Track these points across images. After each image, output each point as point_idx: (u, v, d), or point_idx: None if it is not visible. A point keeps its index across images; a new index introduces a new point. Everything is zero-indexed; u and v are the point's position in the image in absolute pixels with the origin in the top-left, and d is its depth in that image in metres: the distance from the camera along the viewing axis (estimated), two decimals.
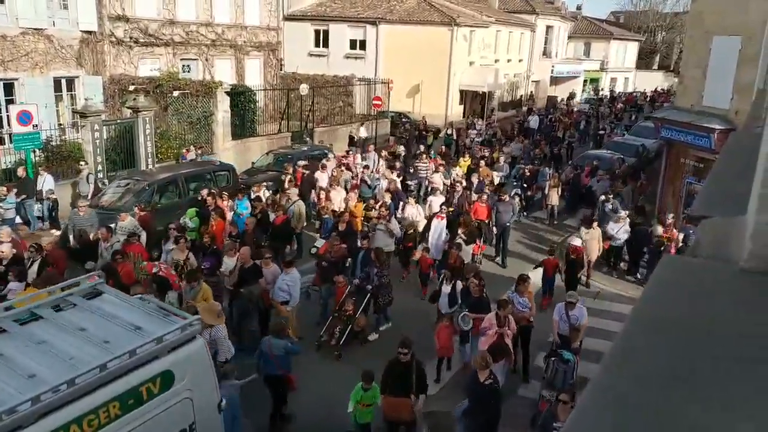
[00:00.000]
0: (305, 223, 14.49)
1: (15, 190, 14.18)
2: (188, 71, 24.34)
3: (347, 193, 15.67)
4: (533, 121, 32.15)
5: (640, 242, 14.16)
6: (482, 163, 19.50)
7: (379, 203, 14.65)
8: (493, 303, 9.68)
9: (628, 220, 14.29)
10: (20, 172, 15.08)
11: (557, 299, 10.74)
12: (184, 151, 18.45)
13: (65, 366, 4.82)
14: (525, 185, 18.72)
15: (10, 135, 16.38)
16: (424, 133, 27.62)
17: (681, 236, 13.19)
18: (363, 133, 25.50)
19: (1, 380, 4.61)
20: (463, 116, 34.56)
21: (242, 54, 27.15)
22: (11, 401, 4.31)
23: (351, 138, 24.91)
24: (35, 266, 10.03)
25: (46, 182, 14.96)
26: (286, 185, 15.77)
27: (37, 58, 18.76)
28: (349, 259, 11.75)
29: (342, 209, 14.33)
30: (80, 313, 5.73)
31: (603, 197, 16.27)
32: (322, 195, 15.72)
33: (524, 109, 39.53)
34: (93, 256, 11.12)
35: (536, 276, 12.10)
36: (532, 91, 45.29)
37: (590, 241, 13.45)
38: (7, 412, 4.20)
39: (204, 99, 20.35)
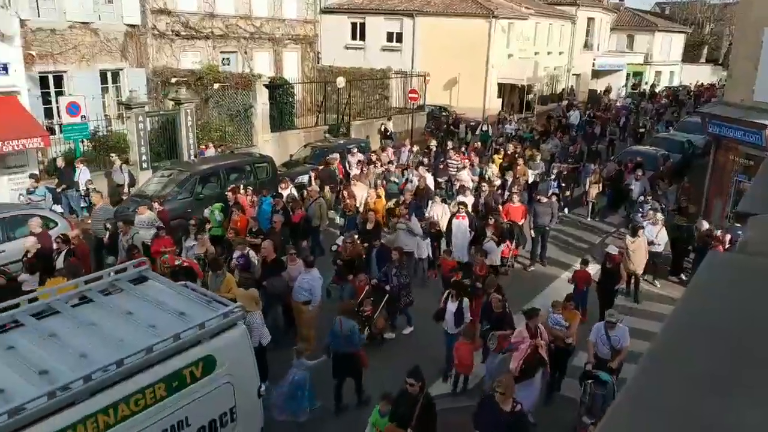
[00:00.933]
0: (327, 221, 14.19)
1: (41, 183, 14.43)
2: (228, 64, 24.74)
3: (375, 189, 15.21)
4: (573, 117, 31.37)
5: (684, 241, 13.71)
6: (520, 161, 18.52)
7: (401, 201, 14.17)
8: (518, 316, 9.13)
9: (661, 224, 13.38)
10: (59, 162, 15.59)
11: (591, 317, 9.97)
12: (202, 147, 18.40)
13: (114, 347, 5.02)
14: (563, 185, 17.76)
15: (60, 125, 16.95)
16: (452, 128, 26.89)
17: (728, 237, 12.64)
18: (391, 127, 25.43)
19: (55, 359, 4.84)
20: (502, 109, 34.20)
21: (280, 47, 27.44)
22: (65, 379, 4.54)
23: (385, 131, 24.89)
24: (61, 258, 10.07)
25: (82, 174, 15.38)
26: (313, 182, 15.67)
27: (84, 51, 19.33)
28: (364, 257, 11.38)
29: (364, 206, 14.05)
30: (127, 298, 5.96)
31: (641, 198, 15.65)
32: (345, 192, 15.27)
33: (564, 103, 38.76)
34: (115, 249, 11.16)
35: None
36: (572, 85, 44.52)
37: (636, 252, 12.21)
38: (61, 389, 4.42)
39: (243, 92, 20.66)
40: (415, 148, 20.84)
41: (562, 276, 13.47)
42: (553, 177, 17.71)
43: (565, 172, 18.32)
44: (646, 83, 49.53)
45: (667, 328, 1.62)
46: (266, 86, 21.13)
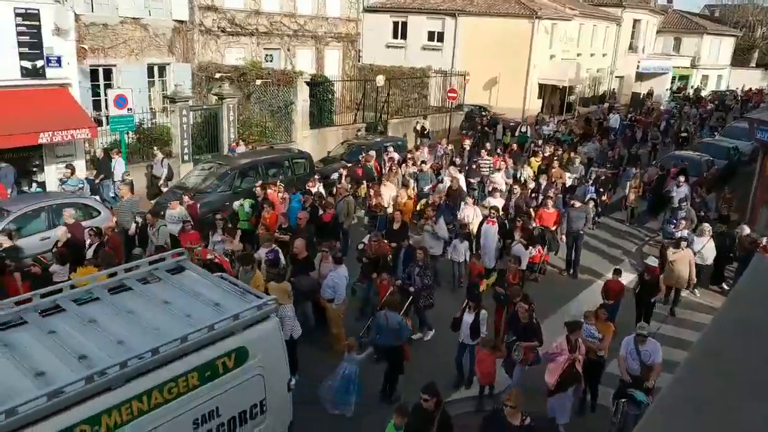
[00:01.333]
0: (354, 220, 14.05)
1: (73, 173, 14.69)
2: (270, 60, 25.07)
3: (405, 189, 14.99)
4: (613, 120, 30.71)
5: (726, 249, 13.16)
6: (556, 164, 18.07)
7: (429, 202, 13.91)
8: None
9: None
10: (98, 153, 15.98)
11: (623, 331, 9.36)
12: (233, 143, 18.51)
13: (150, 335, 5.16)
14: (601, 189, 17.10)
15: (107, 117, 17.47)
16: (486, 128, 26.47)
17: None
18: (428, 125, 25.32)
19: (94, 344, 5.01)
20: (541, 111, 33.78)
21: (322, 45, 27.68)
22: (102, 364, 4.68)
23: (422, 130, 24.82)
24: (92, 249, 10.21)
25: (117, 165, 15.72)
26: (342, 180, 15.59)
27: (134, 46, 19.86)
28: (390, 257, 11.20)
29: (392, 206, 13.92)
30: (165, 287, 6.11)
31: (679, 204, 15.09)
32: (372, 191, 14.94)
33: (605, 105, 37.97)
34: (144, 241, 11.28)
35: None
36: (614, 88, 43.61)
37: (678, 264, 11.60)
38: (99, 374, 4.57)
39: (285, 88, 20.91)
40: (450, 148, 20.71)
41: (594, 284, 13.11)
42: (590, 181, 17.21)
43: (603, 177, 17.83)
44: (692, 87, 48.13)
45: (710, 330, 1.59)
46: (307, 83, 21.34)
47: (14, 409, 4.09)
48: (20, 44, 14.86)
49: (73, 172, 14.64)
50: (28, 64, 15.06)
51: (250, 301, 5.96)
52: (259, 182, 13.94)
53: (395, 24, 35.45)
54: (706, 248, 12.61)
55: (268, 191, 13.43)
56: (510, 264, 10.51)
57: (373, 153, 17.94)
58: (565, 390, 7.77)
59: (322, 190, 14.57)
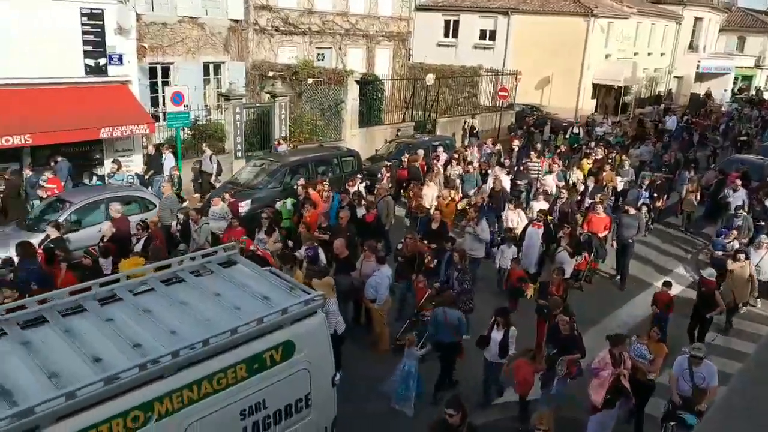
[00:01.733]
0: (393, 220, 13.81)
1: (119, 168, 15.15)
2: (322, 59, 25.34)
3: (449, 189, 14.75)
4: (670, 122, 29.64)
5: None
6: (607, 167, 17.43)
7: (472, 203, 13.58)
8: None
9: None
10: (150, 149, 16.44)
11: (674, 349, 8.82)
12: (275, 143, 18.66)
13: (202, 326, 5.30)
14: (655, 195, 16.30)
15: (164, 113, 18.03)
16: (533, 129, 25.89)
17: None
18: (477, 124, 25.06)
19: (148, 333, 5.18)
20: (595, 111, 32.98)
21: (373, 43, 27.79)
22: (155, 353, 4.84)
23: (471, 129, 24.61)
24: (140, 243, 10.47)
25: (167, 160, 16.11)
26: (384, 179, 15.52)
27: (191, 44, 20.40)
28: (435, 261, 10.89)
29: (433, 207, 13.68)
30: (216, 280, 6.26)
31: (735, 211, 14.33)
32: (412, 192, 14.78)
33: (661, 107, 36.67)
34: (185, 238, 11.45)
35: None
36: (670, 88, 42.18)
37: (737, 278, 10.99)
38: (152, 362, 4.72)
39: (335, 87, 21.10)
40: (497, 147, 20.36)
41: (641, 295, 12.48)
42: (644, 186, 16.40)
43: (658, 182, 16.98)
44: (756, 88, 46.06)
45: (764, 345, 1.54)
46: (357, 82, 21.48)
47: (74, 393, 4.27)
48: (85, 43, 15.51)
49: (119, 168, 15.09)
50: (91, 62, 15.70)
51: (298, 296, 6.04)
52: (301, 181, 13.93)
53: (447, 22, 35.26)
54: (764, 260, 11.92)
55: (311, 190, 13.39)
56: (553, 275, 10.06)
57: (421, 152, 17.91)
58: (612, 406, 7.37)
59: (362, 189, 14.49)
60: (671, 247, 15.75)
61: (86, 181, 15.27)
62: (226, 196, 12.86)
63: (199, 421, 4.99)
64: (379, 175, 15.90)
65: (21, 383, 4.47)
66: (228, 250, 6.91)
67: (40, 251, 9.70)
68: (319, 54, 25.38)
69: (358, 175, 15.06)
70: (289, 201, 13.28)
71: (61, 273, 9.07)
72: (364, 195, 13.99)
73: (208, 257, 6.68)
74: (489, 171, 16.71)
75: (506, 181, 15.59)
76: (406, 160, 17.32)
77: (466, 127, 24.85)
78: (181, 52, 20.20)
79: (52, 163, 14.74)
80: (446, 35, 35.29)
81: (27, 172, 14.20)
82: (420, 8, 34.52)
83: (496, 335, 8.21)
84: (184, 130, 17.57)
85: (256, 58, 22.73)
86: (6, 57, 14.10)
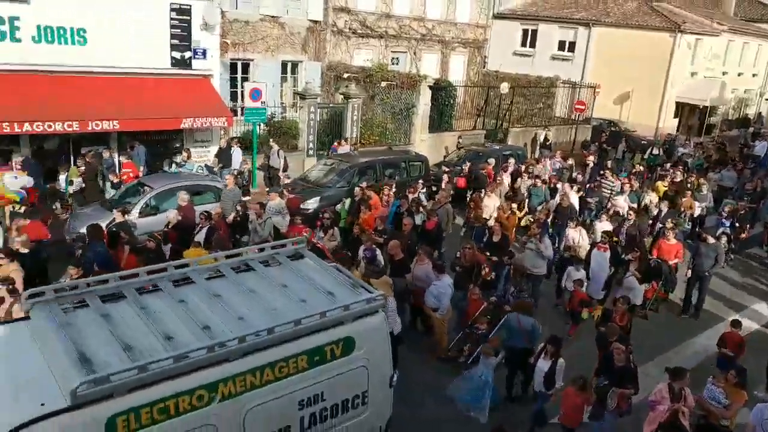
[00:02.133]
0: (450, 229, 13.61)
1: (189, 157, 15.73)
2: (396, 63, 25.50)
3: (511, 202, 14.43)
4: (759, 147, 27.73)
5: None
6: (688, 193, 16.36)
7: (535, 219, 13.08)
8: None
9: None
10: (222, 143, 16.99)
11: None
12: (335, 144, 18.59)
13: (268, 315, 5.42)
14: (737, 224, 15.19)
15: (242, 108, 18.63)
16: (605, 146, 24.79)
17: None
18: (549, 137, 24.45)
19: (217, 317, 5.34)
20: (677, 130, 31.64)
21: (448, 49, 27.73)
22: (223, 337, 4.99)
23: (545, 141, 24.09)
24: (203, 232, 10.70)
25: (235, 154, 16.55)
26: (444, 186, 15.40)
27: (271, 43, 20.99)
28: (493, 274, 10.63)
29: (493, 218, 13.43)
30: (284, 271, 6.39)
31: None
32: (472, 202, 14.41)
33: (749, 130, 34.67)
34: (242, 231, 11.72)
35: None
36: (761, 112, 39.94)
37: None
38: (219, 345, 4.86)
39: (408, 91, 21.18)
40: (569, 162, 19.78)
41: (711, 330, 11.58)
42: (725, 214, 15.32)
43: (741, 211, 15.80)
44: None
45: None
46: (430, 87, 21.48)
47: (146, 366, 4.46)
48: (172, 36, 16.26)
49: (189, 156, 15.71)
50: (177, 55, 16.43)
51: (360, 294, 6.09)
52: (364, 184, 13.93)
53: (524, 32, 34.78)
54: None
55: (371, 193, 13.30)
56: (618, 303, 9.47)
57: (492, 161, 17.71)
58: None
59: (423, 197, 14.36)
60: (750, 281, 14.73)
61: (166, 168, 15.94)
62: (284, 192, 13.08)
63: (260, 406, 5.10)
64: (441, 183, 15.79)
65: (99, 353, 4.70)
66: (297, 243, 7.05)
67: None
68: (393, 58, 25.55)
69: (420, 182, 15.01)
70: (348, 201, 13.36)
71: (124, 255, 9.46)
72: (424, 202, 13.88)
73: (278, 249, 6.84)
74: (558, 186, 16.18)
75: (575, 198, 14.98)
76: (466, 168, 17.09)
77: (538, 138, 24.33)
78: (261, 49, 20.80)
79: (129, 149, 15.51)
80: (523, 44, 34.82)
81: (105, 155, 14.99)
82: (498, 16, 34.19)
83: (543, 365, 7.81)
84: (260, 125, 18.07)
85: (333, 59, 23.11)
86: (101, 47, 14.96)
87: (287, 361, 5.27)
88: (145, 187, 12.57)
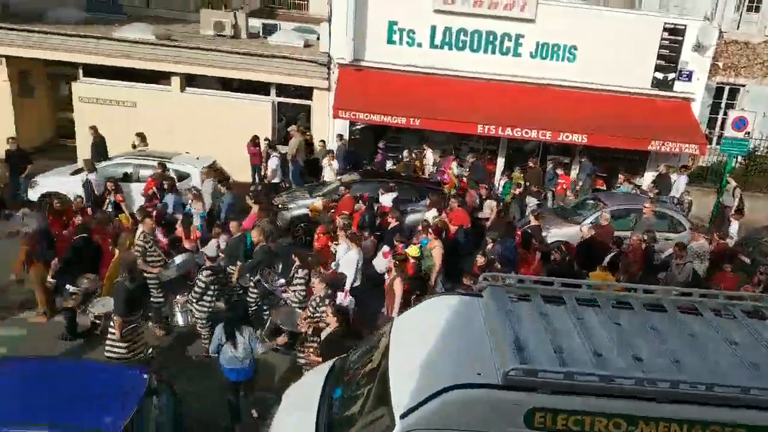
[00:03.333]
0: None
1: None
2: None
3: None
4: None
5: None
6: None
7: None
8: None
9: None
10: (662, 169, 15.71)
11: None
12: None
13: (705, 368, 4.88)
14: None
15: (718, 137, 16.96)
16: None
17: None
18: None
19: (651, 351, 5.07)
20: None
21: None
22: (657, 374, 4.73)
23: None
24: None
25: (679, 182, 15.19)
26: None
27: None
28: None
29: None
30: (736, 327, 5.63)
31: None
32: None
33: None
34: None
35: None
36: None
37: None
38: (649, 381, 4.61)
39: None
40: None
41: None
42: None
43: None
44: None
45: None
46: None
47: (573, 374, 4.58)
48: (659, 56, 15.85)
49: (625, 180, 15.09)
50: (660, 76, 16.00)
51: None
52: None
53: None
54: None
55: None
56: None
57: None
58: None
59: None
60: None
61: (621, 188, 15.78)
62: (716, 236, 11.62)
63: None
64: None
65: (532, 346, 4.99)
66: (757, 300, 6.10)
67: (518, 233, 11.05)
68: None
69: None
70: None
71: (535, 260, 10.35)
72: None
73: (734, 300, 6.06)
74: None
75: None
76: None
77: None
78: (758, 74, 18.39)
79: (581, 161, 15.96)
80: None
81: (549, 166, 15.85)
82: None
83: None
84: (737, 158, 16.13)
85: None
86: (587, 64, 15.71)
87: (723, 427, 4.67)
88: (599, 202, 12.81)
